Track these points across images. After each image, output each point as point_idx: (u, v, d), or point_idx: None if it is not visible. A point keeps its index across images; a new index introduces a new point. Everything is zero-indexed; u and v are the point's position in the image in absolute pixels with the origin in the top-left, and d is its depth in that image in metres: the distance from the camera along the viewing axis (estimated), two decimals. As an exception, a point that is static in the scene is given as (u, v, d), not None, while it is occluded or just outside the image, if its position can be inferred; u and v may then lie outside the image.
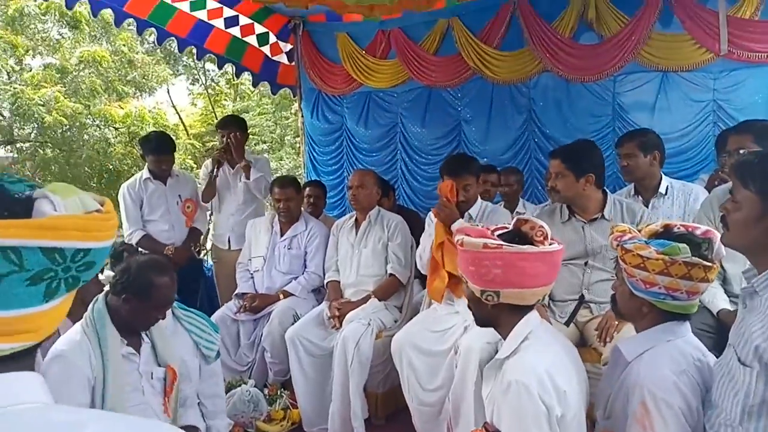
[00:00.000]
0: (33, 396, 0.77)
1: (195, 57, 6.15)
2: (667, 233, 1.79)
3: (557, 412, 1.69)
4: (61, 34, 12.21)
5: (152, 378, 2.26)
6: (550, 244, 1.87)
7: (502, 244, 1.81)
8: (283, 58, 5.87)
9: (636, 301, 1.79)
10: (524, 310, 1.88)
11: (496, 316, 1.90)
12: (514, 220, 2.00)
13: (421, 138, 5.38)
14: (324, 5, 4.06)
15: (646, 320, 1.80)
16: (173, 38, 5.06)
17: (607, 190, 2.96)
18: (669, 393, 1.60)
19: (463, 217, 3.14)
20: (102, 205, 0.88)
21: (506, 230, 1.97)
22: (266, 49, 5.70)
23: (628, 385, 1.71)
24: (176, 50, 5.64)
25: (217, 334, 2.63)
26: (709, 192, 3.10)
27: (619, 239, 1.82)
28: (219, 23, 5.20)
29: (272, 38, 5.69)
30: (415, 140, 5.41)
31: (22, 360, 0.80)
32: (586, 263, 2.87)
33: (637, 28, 4.29)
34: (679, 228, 1.80)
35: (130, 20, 4.73)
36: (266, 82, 6.00)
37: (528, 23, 4.66)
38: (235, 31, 5.36)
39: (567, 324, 2.85)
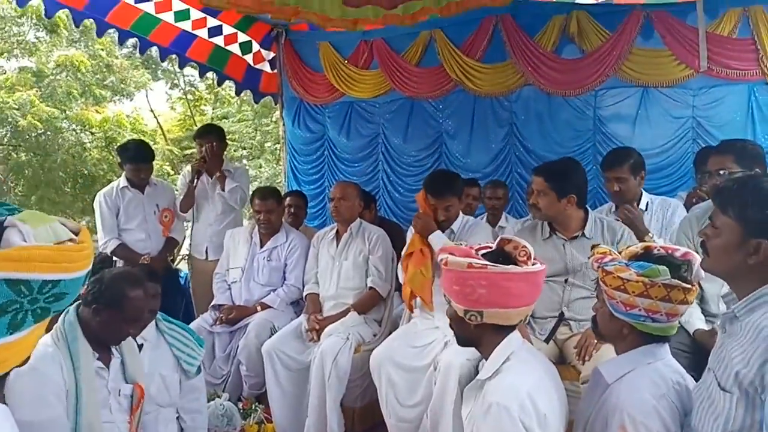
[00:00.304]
0: None
1: (177, 65, 6.08)
2: (647, 255, 1.80)
3: (537, 434, 1.69)
4: (38, 38, 11.99)
5: (119, 395, 2.21)
6: (533, 264, 1.87)
7: (487, 264, 1.81)
8: (265, 67, 5.83)
9: (616, 323, 1.79)
10: (507, 330, 1.89)
11: (479, 335, 1.91)
12: (498, 239, 2.00)
13: (403, 149, 5.37)
14: (308, 20, 4.03)
15: (627, 342, 1.80)
16: (155, 47, 5.00)
17: (589, 209, 2.96)
18: (648, 417, 1.60)
19: (444, 233, 3.13)
20: (77, 234, 0.85)
21: (490, 250, 1.97)
22: (249, 58, 5.65)
23: (607, 408, 1.72)
24: (157, 57, 5.57)
25: (202, 348, 2.59)
26: (688, 209, 3.11)
27: (599, 261, 1.82)
28: (203, 33, 5.14)
29: (255, 47, 5.65)
30: (396, 151, 5.40)
31: None
32: (566, 281, 2.86)
33: (619, 43, 4.34)
34: (659, 250, 1.82)
35: (112, 30, 4.65)
36: (249, 91, 5.96)
37: (510, 36, 4.69)
38: (219, 40, 5.30)
39: (546, 341, 2.85)
